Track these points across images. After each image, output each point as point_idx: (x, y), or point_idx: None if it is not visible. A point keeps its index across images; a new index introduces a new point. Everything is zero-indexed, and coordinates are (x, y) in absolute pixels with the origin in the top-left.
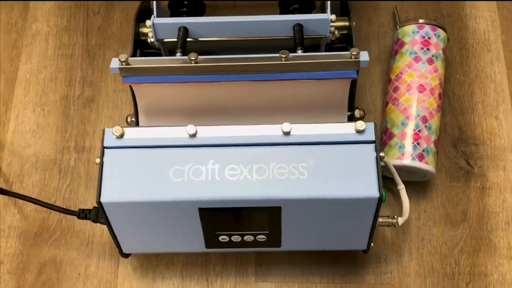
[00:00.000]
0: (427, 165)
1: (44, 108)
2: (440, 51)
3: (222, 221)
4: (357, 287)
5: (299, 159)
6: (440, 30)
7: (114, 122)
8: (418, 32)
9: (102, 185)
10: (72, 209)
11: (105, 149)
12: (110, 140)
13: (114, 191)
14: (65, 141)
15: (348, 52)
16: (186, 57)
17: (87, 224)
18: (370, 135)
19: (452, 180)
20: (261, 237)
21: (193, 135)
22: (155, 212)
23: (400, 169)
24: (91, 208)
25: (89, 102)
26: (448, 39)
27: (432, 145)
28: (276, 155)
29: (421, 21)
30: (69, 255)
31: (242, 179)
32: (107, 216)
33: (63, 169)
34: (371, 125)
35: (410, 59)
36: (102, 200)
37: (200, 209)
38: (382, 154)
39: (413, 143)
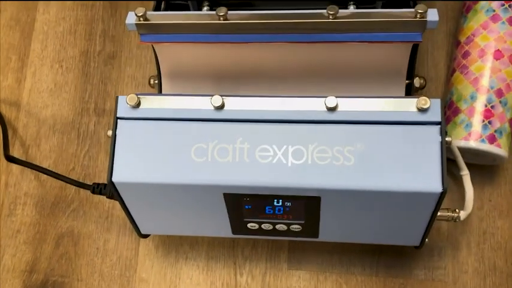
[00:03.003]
0: (499, 149)
1: (63, 65)
2: None
3: (252, 208)
4: (403, 283)
5: (345, 142)
6: None
7: (137, 82)
8: None
9: (115, 162)
10: (90, 177)
11: (118, 120)
12: (123, 109)
13: (128, 169)
14: (84, 102)
15: (411, 10)
16: (214, 12)
17: None
18: (436, 114)
19: None
20: (296, 227)
21: (220, 108)
22: (174, 195)
23: (466, 151)
24: (106, 182)
25: (110, 59)
26: None
27: (507, 125)
28: (317, 135)
29: None
30: (88, 228)
31: (275, 162)
32: (120, 196)
33: (82, 133)
34: (437, 103)
35: (486, 18)
36: (114, 179)
37: (225, 195)
38: (448, 139)
39: (483, 121)
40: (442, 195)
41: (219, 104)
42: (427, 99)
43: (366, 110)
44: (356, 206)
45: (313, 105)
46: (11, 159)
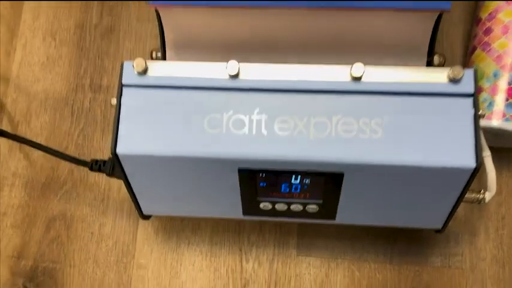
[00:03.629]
0: None
1: (56, 38)
2: None
3: (267, 185)
4: (419, 270)
5: (372, 113)
6: None
7: (137, 57)
8: None
9: (119, 132)
10: (84, 158)
11: (123, 87)
12: (129, 76)
13: (134, 140)
14: (79, 78)
15: None
16: None
17: (103, 176)
18: (469, 86)
19: None
20: (312, 208)
21: (235, 76)
22: (183, 169)
23: (487, 131)
24: (106, 159)
25: (108, 32)
26: None
27: None
28: (341, 106)
29: None
30: (81, 210)
31: (296, 135)
32: (124, 171)
33: (77, 110)
34: (470, 73)
35: None
36: (118, 151)
37: (240, 170)
38: (482, 112)
39: (507, 100)
40: (475, 171)
41: (235, 71)
42: (460, 68)
43: (394, 81)
44: (381, 183)
45: (338, 74)
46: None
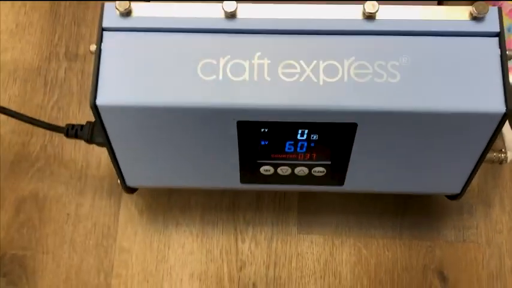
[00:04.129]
0: None
1: (26, 4)
2: None
3: (269, 144)
4: (431, 245)
5: (388, 55)
6: None
7: None
8: None
9: (99, 81)
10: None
11: (103, 32)
12: (111, 18)
13: (117, 90)
14: (52, 46)
15: None
16: None
17: (80, 151)
18: (494, 24)
19: None
20: (319, 170)
21: (233, 15)
22: (173, 124)
23: None
24: (84, 123)
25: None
26: None
27: None
28: (354, 49)
29: None
30: (56, 190)
31: (303, 80)
32: (105, 131)
33: (50, 81)
34: (494, 11)
35: None
36: (98, 102)
37: (239, 123)
38: (510, 53)
39: None
40: (504, 117)
41: (232, 9)
42: (485, 4)
43: (412, 19)
44: (398, 135)
45: (349, 12)
46: None
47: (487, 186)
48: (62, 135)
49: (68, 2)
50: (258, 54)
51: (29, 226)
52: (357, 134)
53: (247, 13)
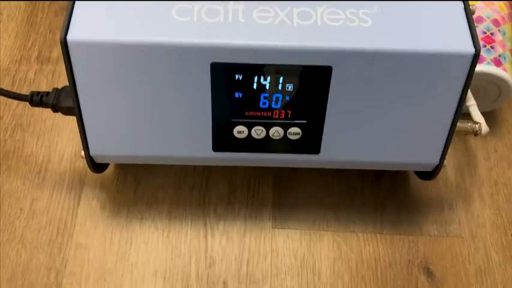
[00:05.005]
0: (506, 74)
1: (3, 13)
2: None
3: (243, 96)
4: (414, 240)
5: (359, 5)
6: None
7: None
8: None
9: (72, 17)
10: (22, 129)
11: None
12: None
13: (89, 27)
14: (25, 50)
15: None
16: None
17: (43, 147)
18: None
19: None
20: (295, 132)
21: None
22: (146, 68)
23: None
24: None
25: (62, 10)
26: None
27: (508, 53)
28: None
29: None
30: (11, 184)
31: (277, 23)
32: (72, 74)
33: (18, 81)
34: None
35: None
36: (69, 37)
37: (213, 66)
38: (472, 7)
39: (485, 46)
40: (474, 58)
41: None
42: None
43: None
44: (372, 86)
45: None
46: None
47: (465, 182)
48: (23, 129)
49: (45, 14)
50: (233, 1)
51: None
52: (331, 82)
53: None
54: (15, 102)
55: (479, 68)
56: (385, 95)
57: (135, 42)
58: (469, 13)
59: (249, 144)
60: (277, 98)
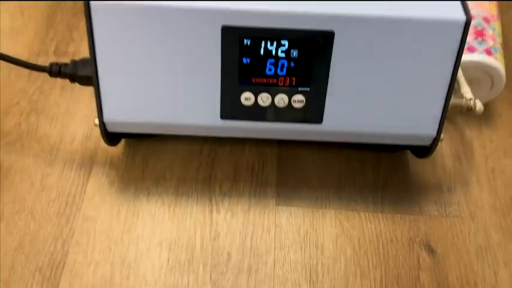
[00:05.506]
0: (497, 63)
1: (24, 13)
2: None
3: (251, 61)
4: (415, 220)
5: None
6: None
7: None
8: None
9: None
10: (37, 112)
11: None
12: None
13: None
14: (44, 45)
15: None
16: None
17: (56, 128)
18: None
19: None
20: (299, 100)
21: None
22: (161, 30)
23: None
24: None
25: (81, 13)
26: None
27: (499, 46)
28: None
29: None
30: (23, 162)
31: None
32: (92, 32)
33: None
34: None
35: None
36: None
37: (224, 29)
38: None
39: (476, 38)
40: (466, 26)
41: None
42: None
43: None
44: (372, 51)
45: None
46: None
47: (462, 168)
48: (38, 113)
49: (64, 13)
50: None
51: None
52: (334, 47)
53: None
54: (32, 88)
55: (471, 57)
56: (383, 62)
57: (151, 5)
58: None
59: (255, 112)
60: (282, 64)
